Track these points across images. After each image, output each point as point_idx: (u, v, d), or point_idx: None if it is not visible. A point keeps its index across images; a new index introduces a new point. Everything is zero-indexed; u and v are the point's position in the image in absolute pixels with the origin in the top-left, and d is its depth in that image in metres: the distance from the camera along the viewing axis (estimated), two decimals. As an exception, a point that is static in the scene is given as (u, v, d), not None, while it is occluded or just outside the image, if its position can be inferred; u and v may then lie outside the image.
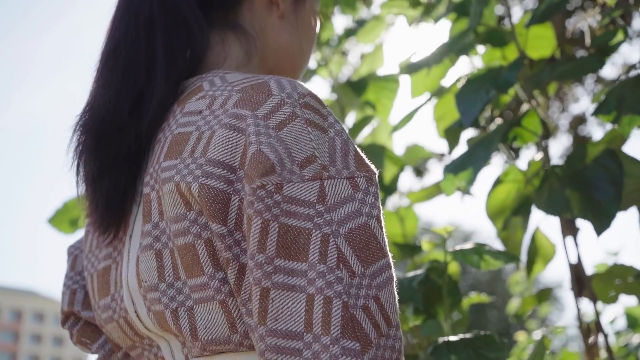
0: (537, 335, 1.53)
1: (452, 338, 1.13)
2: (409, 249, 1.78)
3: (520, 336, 3.44)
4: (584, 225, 1.89)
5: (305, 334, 0.69)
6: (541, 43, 1.62)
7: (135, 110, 0.86)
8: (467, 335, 1.14)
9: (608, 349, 1.52)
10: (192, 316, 0.78)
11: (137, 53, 0.87)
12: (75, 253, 1.00)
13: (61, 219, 1.81)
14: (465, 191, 1.85)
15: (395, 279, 0.74)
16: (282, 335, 0.69)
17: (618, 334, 3.12)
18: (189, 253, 0.77)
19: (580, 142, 3.28)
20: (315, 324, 0.69)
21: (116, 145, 0.86)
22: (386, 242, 0.74)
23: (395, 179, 1.68)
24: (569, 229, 1.57)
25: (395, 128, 1.71)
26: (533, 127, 1.34)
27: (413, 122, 1.66)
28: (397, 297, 0.73)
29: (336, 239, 0.71)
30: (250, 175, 0.73)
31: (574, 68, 1.38)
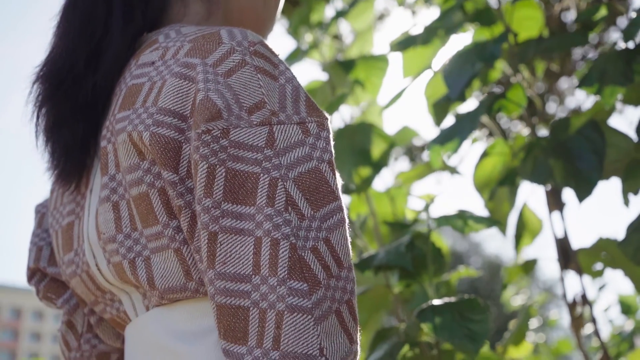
0: (528, 303, 1.55)
1: (437, 301, 1.16)
2: (398, 227, 1.80)
3: (514, 325, 3.46)
4: (570, 199, 1.91)
5: (253, 276, 0.70)
6: (529, 23, 1.64)
7: (92, 62, 0.87)
8: (452, 299, 1.16)
9: (593, 320, 1.55)
10: (149, 266, 0.79)
11: (95, 6, 0.89)
12: (42, 211, 1.02)
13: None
14: (454, 171, 1.88)
15: (347, 222, 0.74)
16: (230, 278, 0.70)
17: (611, 322, 3.15)
18: (143, 203, 0.78)
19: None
20: (262, 266, 0.69)
21: (73, 95, 0.87)
22: (338, 187, 0.75)
23: (384, 156, 1.70)
24: (556, 204, 1.59)
25: (386, 106, 1.73)
26: (518, 99, 1.36)
27: (408, 108, 1.68)
28: (349, 240, 0.73)
29: (285, 183, 0.72)
30: (196, 121, 0.74)
31: (558, 42, 1.40)
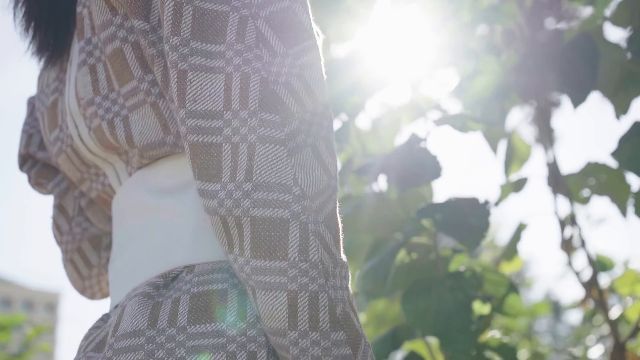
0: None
1: (436, 200, 1.16)
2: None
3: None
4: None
5: (224, 112, 0.69)
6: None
7: None
8: (451, 198, 1.16)
9: (582, 242, 1.57)
10: (127, 125, 0.78)
11: None
12: (34, 102, 1.02)
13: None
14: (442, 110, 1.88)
15: (322, 60, 0.73)
16: (201, 115, 0.69)
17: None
18: (118, 59, 0.77)
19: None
20: (233, 101, 0.68)
21: None
22: (312, 26, 0.74)
23: (376, 84, 1.70)
24: (545, 130, 1.61)
25: (375, 37, 1.73)
26: (510, 11, 1.37)
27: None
28: (324, 78, 0.72)
29: (255, 21, 0.70)
30: None
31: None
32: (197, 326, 0.70)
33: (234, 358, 0.68)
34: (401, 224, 1.24)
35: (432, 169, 1.21)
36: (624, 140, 1.31)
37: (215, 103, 0.69)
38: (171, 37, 0.71)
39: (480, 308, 1.17)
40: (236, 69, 0.69)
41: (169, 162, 0.80)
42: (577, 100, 1.25)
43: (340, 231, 0.70)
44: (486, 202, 1.14)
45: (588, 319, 3.90)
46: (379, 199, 1.30)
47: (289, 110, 0.68)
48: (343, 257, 0.69)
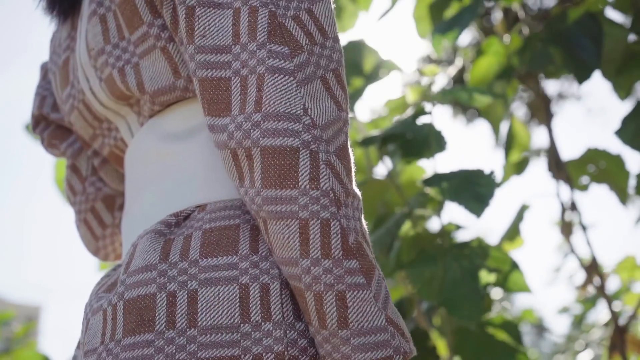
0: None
1: (442, 170, 1.15)
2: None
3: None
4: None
5: (233, 46, 0.68)
6: None
7: None
8: (456, 170, 1.16)
9: (582, 227, 1.57)
10: (138, 71, 0.78)
11: None
12: (46, 66, 1.01)
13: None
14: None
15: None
16: (210, 50, 0.69)
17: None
18: (128, 5, 0.77)
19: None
20: (242, 34, 0.68)
21: None
22: None
23: (375, 68, 1.69)
24: (545, 116, 1.61)
25: (379, 19, 1.73)
26: (516, -10, 1.37)
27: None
28: (333, 13, 0.72)
29: None
30: None
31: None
32: (209, 259, 0.69)
33: (246, 290, 0.67)
34: (397, 205, 1.23)
35: (436, 142, 1.21)
36: (628, 120, 1.31)
37: (223, 38, 0.69)
38: None
39: (486, 277, 1.16)
40: (244, 2, 0.69)
41: (180, 107, 0.80)
42: (582, 77, 1.26)
43: (353, 163, 0.69)
44: (492, 172, 1.14)
45: (577, 324, 3.90)
46: (374, 184, 1.29)
47: (297, 42, 0.68)
48: (355, 189, 0.68)
